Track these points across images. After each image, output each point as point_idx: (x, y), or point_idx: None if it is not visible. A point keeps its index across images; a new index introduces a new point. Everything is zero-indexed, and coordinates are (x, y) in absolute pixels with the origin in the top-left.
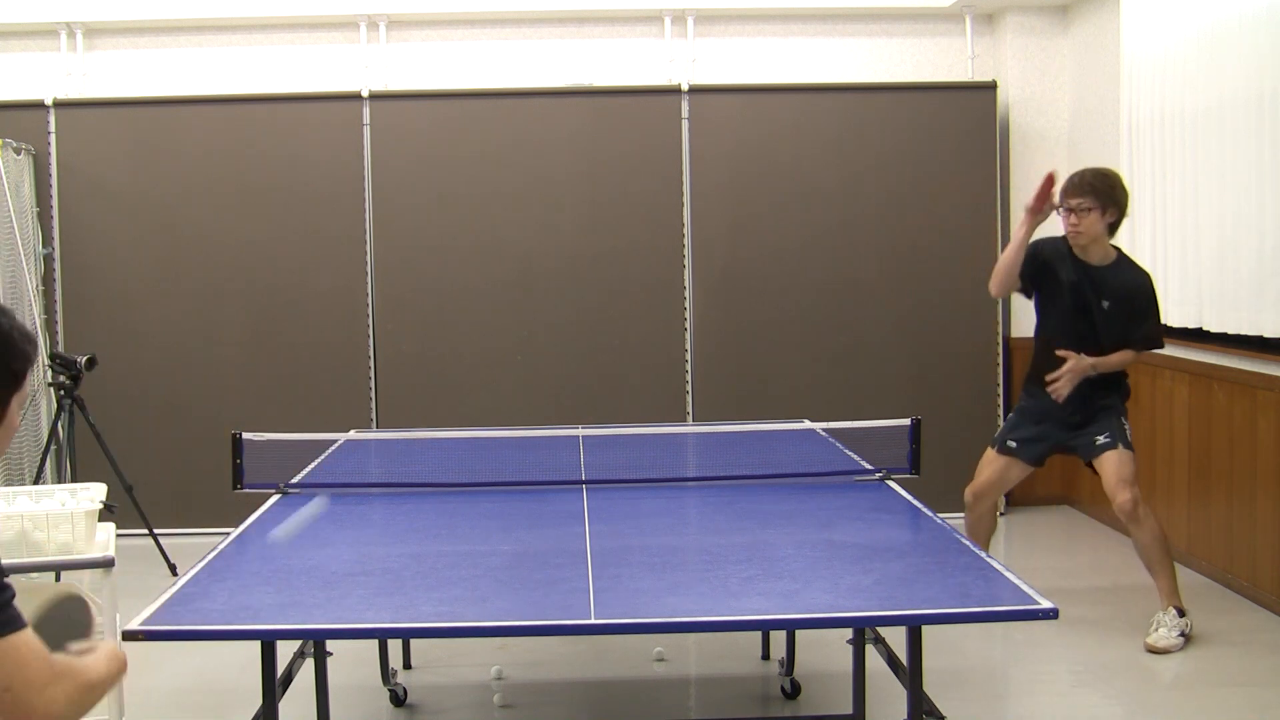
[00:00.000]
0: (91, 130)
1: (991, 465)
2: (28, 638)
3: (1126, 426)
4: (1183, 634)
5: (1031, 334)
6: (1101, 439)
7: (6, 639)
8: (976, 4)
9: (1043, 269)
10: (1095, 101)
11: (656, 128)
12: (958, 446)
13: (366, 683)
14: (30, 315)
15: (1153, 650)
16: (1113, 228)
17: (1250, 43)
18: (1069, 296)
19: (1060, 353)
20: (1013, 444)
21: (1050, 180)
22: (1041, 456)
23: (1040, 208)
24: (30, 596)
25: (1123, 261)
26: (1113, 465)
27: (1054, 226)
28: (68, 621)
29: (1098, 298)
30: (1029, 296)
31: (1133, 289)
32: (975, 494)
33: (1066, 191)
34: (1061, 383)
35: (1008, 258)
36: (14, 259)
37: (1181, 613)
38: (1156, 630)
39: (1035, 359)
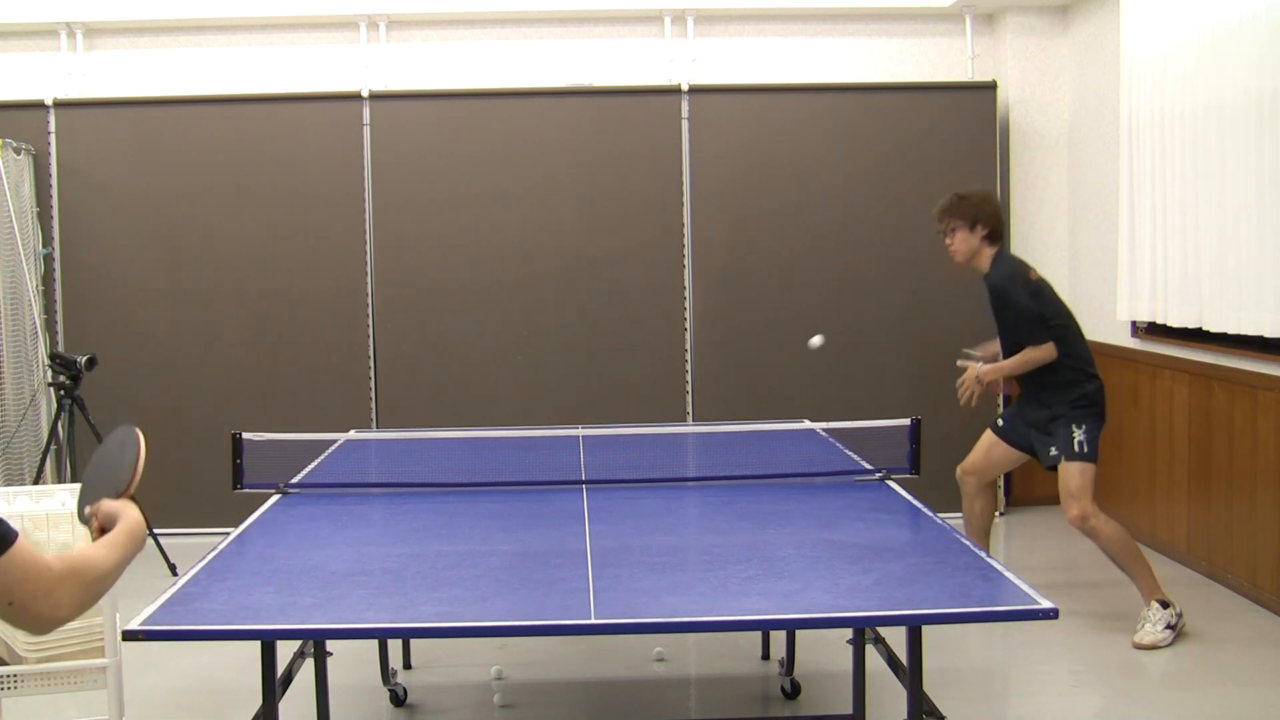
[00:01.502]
0: (91, 130)
1: (981, 442)
2: (21, 550)
3: (1078, 436)
4: (1170, 626)
5: None
6: (1053, 451)
7: (2, 557)
8: (976, 4)
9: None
10: (1095, 101)
11: (656, 128)
12: (958, 446)
13: (366, 683)
14: (30, 315)
15: (1140, 647)
16: (991, 238)
17: (1250, 43)
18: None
19: (960, 362)
20: (1000, 422)
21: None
22: (1017, 441)
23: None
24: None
25: (995, 264)
26: (1061, 479)
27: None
28: (112, 461)
29: (995, 307)
30: None
31: (992, 290)
32: (962, 468)
33: (935, 217)
34: (962, 391)
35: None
36: (14, 259)
37: (1165, 604)
38: (1142, 628)
39: None
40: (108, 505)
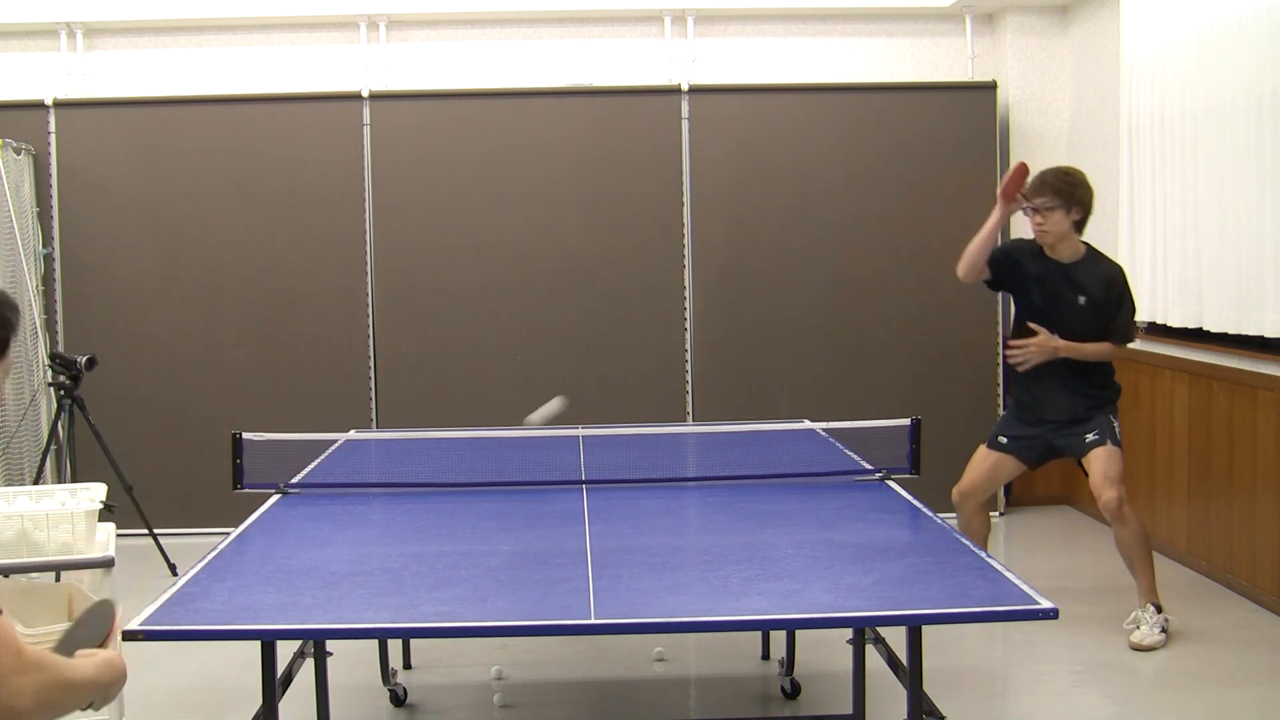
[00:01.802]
0: (91, 130)
1: (983, 462)
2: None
3: (1116, 425)
4: (1163, 629)
5: None
6: (1091, 436)
7: None
8: (976, 4)
9: (1012, 267)
10: (1095, 101)
11: (656, 128)
12: (958, 446)
13: (366, 683)
14: (30, 315)
15: (1138, 648)
16: (1079, 225)
17: (1250, 43)
18: (1039, 294)
19: (1032, 325)
20: (1004, 440)
21: (1023, 169)
22: (1038, 458)
23: (1014, 194)
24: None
25: (1094, 256)
26: (1100, 463)
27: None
28: (93, 623)
29: (1073, 294)
30: (994, 289)
31: (1108, 281)
32: (962, 492)
33: (1031, 191)
34: (1028, 351)
35: (977, 242)
36: (14, 259)
37: (1159, 609)
38: (1138, 628)
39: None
40: (83, 650)
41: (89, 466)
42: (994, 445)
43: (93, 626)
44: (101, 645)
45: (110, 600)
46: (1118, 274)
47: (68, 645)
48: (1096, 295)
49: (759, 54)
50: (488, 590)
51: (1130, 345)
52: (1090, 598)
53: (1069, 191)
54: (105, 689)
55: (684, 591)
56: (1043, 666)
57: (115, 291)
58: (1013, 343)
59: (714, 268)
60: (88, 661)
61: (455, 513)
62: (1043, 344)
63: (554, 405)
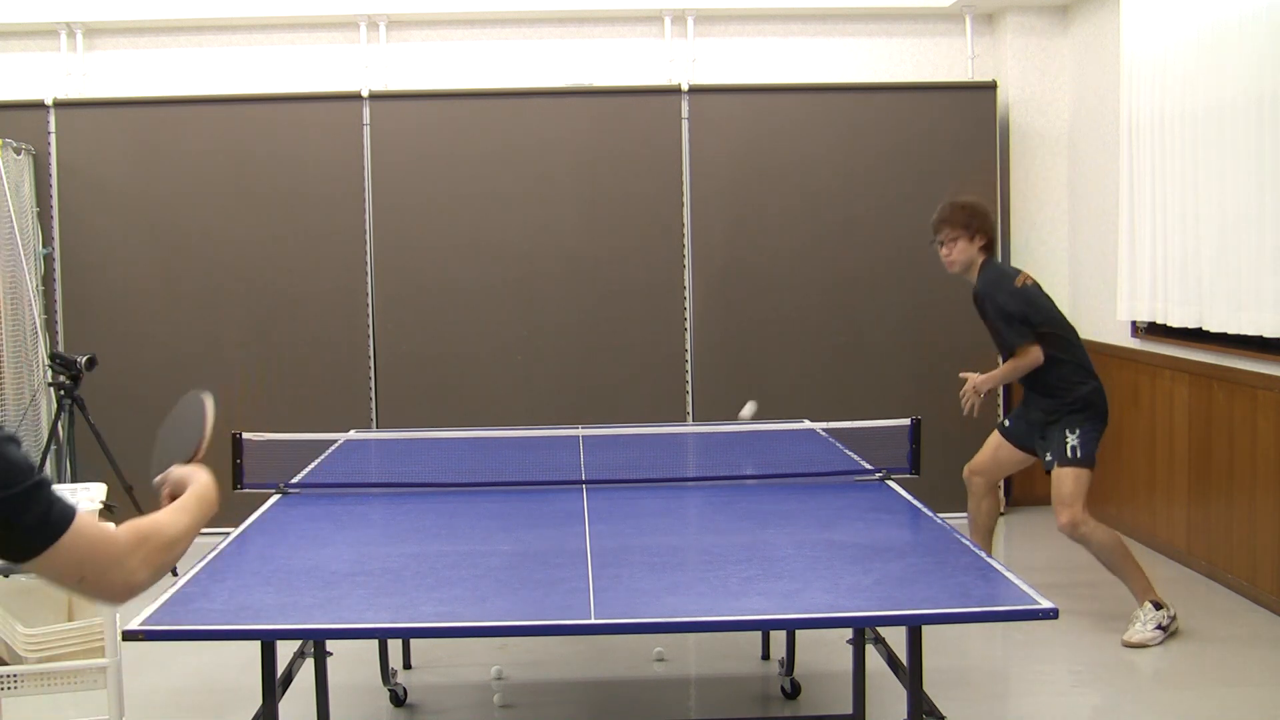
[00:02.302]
0: (91, 130)
1: (989, 442)
2: (83, 524)
3: (1071, 440)
4: (1161, 627)
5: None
6: (1048, 457)
7: (63, 538)
8: (976, 4)
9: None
10: (1095, 101)
11: (656, 128)
12: (958, 446)
13: (366, 683)
14: (30, 315)
15: (1129, 645)
16: (986, 249)
17: (1250, 43)
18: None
19: (961, 375)
20: (1006, 423)
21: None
22: (1021, 441)
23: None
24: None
25: (982, 272)
26: (1054, 485)
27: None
28: (185, 427)
29: (982, 314)
30: None
31: (983, 298)
32: (970, 468)
33: (933, 227)
34: (965, 400)
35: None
36: (14, 259)
37: (1159, 605)
38: (1132, 626)
39: None
40: (177, 471)
41: (89, 466)
42: (1000, 428)
43: (185, 431)
44: (195, 453)
45: (195, 394)
46: (984, 288)
47: (164, 458)
48: (987, 313)
49: (759, 54)
50: (488, 590)
51: (1028, 347)
52: (1090, 597)
53: (965, 220)
54: (204, 522)
55: (684, 591)
56: (1043, 666)
57: (115, 291)
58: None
59: (714, 268)
60: (182, 515)
61: (455, 513)
62: (969, 388)
63: (749, 408)
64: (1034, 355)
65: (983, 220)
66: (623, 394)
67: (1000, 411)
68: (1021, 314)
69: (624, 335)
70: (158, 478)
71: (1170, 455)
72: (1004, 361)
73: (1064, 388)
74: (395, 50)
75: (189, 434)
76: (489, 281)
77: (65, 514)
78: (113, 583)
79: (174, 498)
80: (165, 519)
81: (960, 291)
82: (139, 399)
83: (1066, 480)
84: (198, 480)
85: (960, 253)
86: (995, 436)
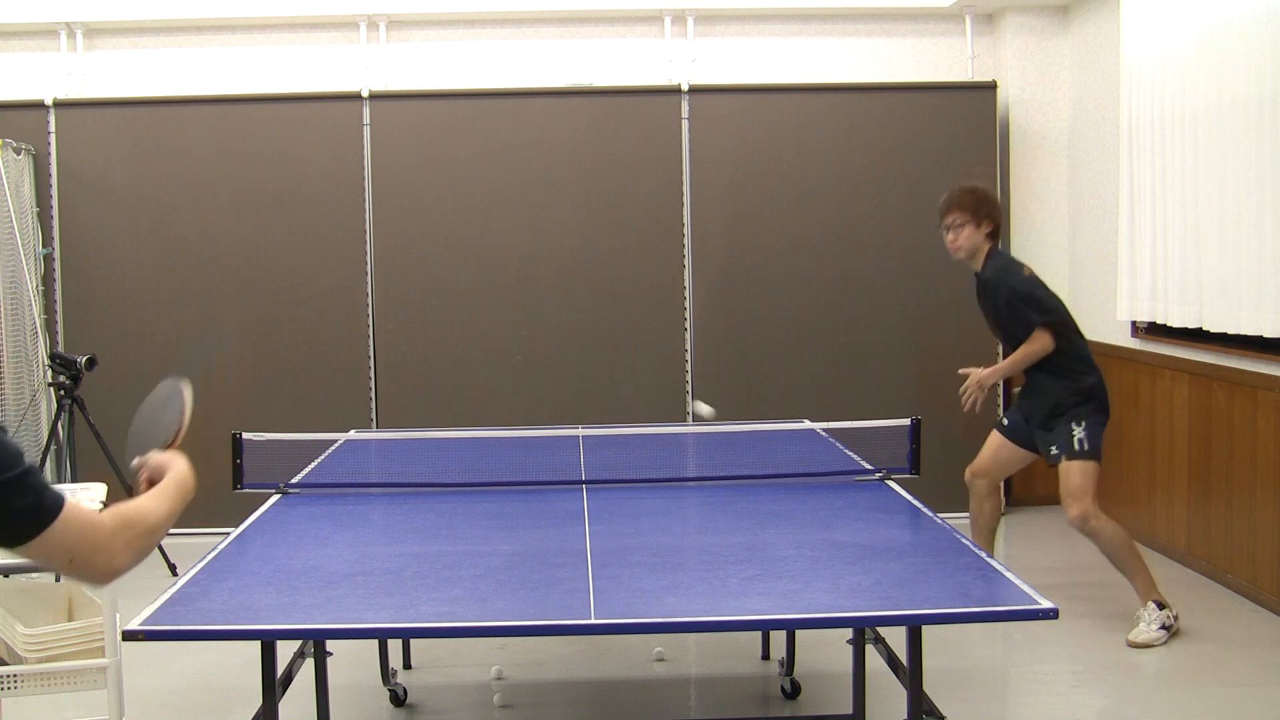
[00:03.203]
0: (91, 130)
1: (989, 443)
2: (72, 511)
3: (1077, 433)
4: (1164, 627)
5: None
6: (1053, 450)
7: (54, 524)
8: (976, 4)
9: (982, 302)
10: (1095, 101)
11: (656, 128)
12: (958, 446)
13: (366, 683)
14: (30, 315)
15: (1134, 645)
16: (993, 236)
17: (1250, 43)
18: (985, 310)
19: (961, 371)
20: (1005, 422)
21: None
22: (1022, 439)
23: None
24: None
25: (990, 260)
26: (1062, 479)
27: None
28: (163, 413)
29: (988, 300)
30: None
31: (994, 284)
32: (972, 471)
33: (940, 211)
34: (968, 394)
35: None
36: (14, 259)
37: (1161, 605)
38: (1136, 625)
39: None
40: (156, 457)
41: (89, 466)
42: (999, 428)
43: (164, 417)
44: (173, 440)
45: (173, 381)
46: (994, 274)
47: (142, 443)
48: (995, 298)
49: (759, 54)
50: (488, 590)
51: (1049, 326)
52: (1090, 597)
53: (974, 206)
54: (181, 508)
55: (684, 591)
56: (1043, 666)
57: (115, 291)
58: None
59: (714, 268)
60: (162, 501)
61: (455, 513)
62: (970, 384)
63: (704, 408)
64: (1044, 342)
65: (991, 207)
66: (623, 394)
67: (1000, 408)
68: (1037, 297)
69: (624, 335)
70: (135, 463)
71: (1170, 455)
72: (1006, 354)
73: (1068, 379)
74: (395, 50)
75: (167, 420)
76: (489, 281)
77: (56, 501)
78: (97, 566)
79: (152, 483)
80: (147, 505)
81: (960, 291)
82: (139, 399)
83: (1075, 473)
84: (176, 466)
85: (967, 238)
86: (995, 437)
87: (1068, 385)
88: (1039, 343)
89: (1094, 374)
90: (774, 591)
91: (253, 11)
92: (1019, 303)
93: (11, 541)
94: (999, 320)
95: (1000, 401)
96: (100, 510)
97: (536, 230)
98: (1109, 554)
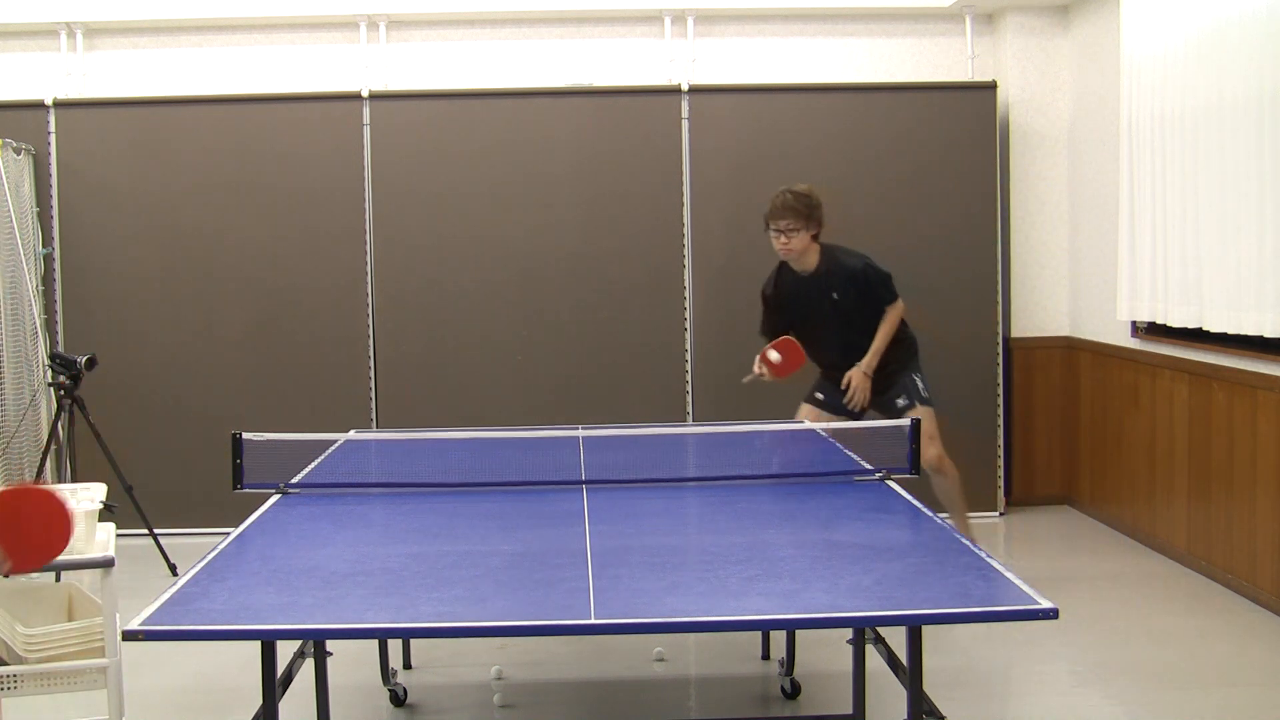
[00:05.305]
0: (91, 130)
1: (803, 418)
2: None
3: (918, 382)
4: None
5: (1031, 334)
6: (901, 401)
7: None
8: (976, 4)
9: (783, 302)
10: (1095, 101)
11: (656, 128)
12: (958, 446)
13: (366, 683)
14: (30, 315)
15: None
16: (816, 237)
17: (1250, 43)
18: (796, 308)
19: (844, 384)
20: (820, 395)
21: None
22: (838, 406)
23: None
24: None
25: (830, 256)
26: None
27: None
28: None
29: (825, 296)
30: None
31: (851, 275)
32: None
33: (771, 216)
34: (854, 397)
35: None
36: (14, 259)
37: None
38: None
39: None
40: None
41: (89, 466)
42: (812, 401)
43: None
44: None
45: None
46: (856, 264)
47: None
48: (849, 289)
49: (759, 54)
50: (488, 590)
51: (896, 303)
52: (1090, 597)
53: (808, 212)
54: None
55: (684, 591)
56: (1043, 666)
57: (115, 291)
58: (846, 400)
59: (714, 267)
60: None
61: (455, 513)
62: (859, 383)
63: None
64: (901, 309)
65: (820, 209)
66: (623, 394)
67: (1001, 405)
68: (889, 275)
69: (624, 335)
70: None
71: (1170, 455)
72: (828, 348)
73: (899, 339)
74: (395, 50)
75: None
76: (489, 281)
77: None
78: None
79: None
80: None
81: (960, 290)
82: (139, 399)
83: (929, 418)
84: None
85: (800, 242)
86: (811, 410)
87: (900, 344)
88: (897, 311)
89: (909, 329)
90: (774, 591)
91: (253, 11)
92: (880, 285)
93: None
94: (841, 310)
95: (1000, 402)
96: (102, 512)
97: (536, 230)
98: (948, 493)
